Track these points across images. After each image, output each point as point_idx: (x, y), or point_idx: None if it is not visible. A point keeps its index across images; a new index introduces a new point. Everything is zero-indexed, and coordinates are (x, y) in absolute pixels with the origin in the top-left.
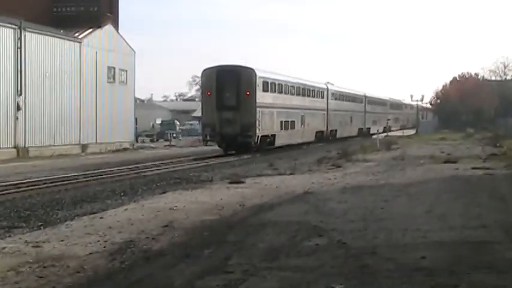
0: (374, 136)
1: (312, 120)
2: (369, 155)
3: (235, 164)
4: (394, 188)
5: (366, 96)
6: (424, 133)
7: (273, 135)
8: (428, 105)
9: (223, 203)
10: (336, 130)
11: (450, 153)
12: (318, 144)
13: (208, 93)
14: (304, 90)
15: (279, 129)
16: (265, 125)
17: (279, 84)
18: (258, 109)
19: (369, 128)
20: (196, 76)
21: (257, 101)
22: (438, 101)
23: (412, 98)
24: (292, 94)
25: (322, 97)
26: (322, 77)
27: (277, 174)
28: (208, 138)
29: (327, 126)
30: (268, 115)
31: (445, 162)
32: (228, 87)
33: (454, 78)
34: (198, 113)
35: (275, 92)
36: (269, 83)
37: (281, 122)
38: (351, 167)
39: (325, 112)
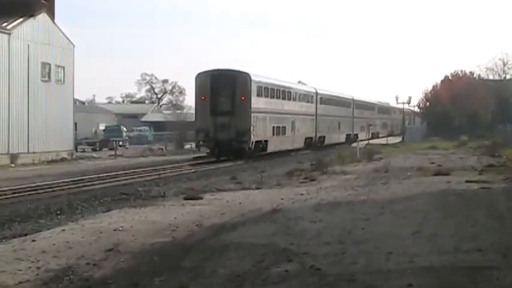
0: (354, 144)
1: (301, 125)
2: (347, 167)
3: (192, 177)
4: (377, 205)
5: (354, 100)
6: (411, 141)
7: (266, 141)
8: (416, 109)
9: (178, 222)
10: (324, 136)
11: (441, 164)
12: (306, 151)
13: (203, 98)
14: (295, 95)
15: (271, 135)
16: (259, 130)
17: (271, 88)
18: (252, 114)
19: (357, 135)
20: (146, 74)
21: (252, 106)
22: (427, 103)
23: (397, 100)
24: (284, 99)
25: (312, 102)
26: (296, 76)
27: (241, 189)
28: (201, 143)
29: (316, 132)
30: (262, 120)
31: (436, 174)
32: (223, 92)
33: (446, 77)
34: (149, 118)
35: (268, 96)
36: (262, 87)
37: (273, 127)
38: (326, 181)
39: (314, 117)
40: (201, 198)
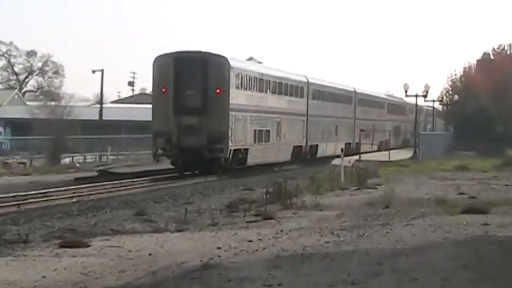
0: (335, 162)
1: (289, 129)
2: (325, 197)
3: (72, 211)
4: (371, 260)
5: (356, 93)
6: (429, 156)
7: (246, 150)
8: (437, 106)
9: (48, 284)
10: (316, 146)
11: (475, 195)
12: (292, 166)
13: (163, 91)
14: (281, 86)
15: (252, 142)
16: (238, 135)
17: (253, 77)
18: (231, 113)
19: (359, 144)
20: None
21: (230, 101)
22: (455, 96)
23: (406, 91)
24: (267, 92)
25: (301, 95)
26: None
27: (152, 231)
28: (160, 152)
29: (307, 140)
30: (242, 122)
31: (466, 212)
32: (190, 82)
33: (485, 55)
34: (4, 112)
35: (249, 89)
36: (243, 76)
37: (255, 131)
38: (290, 219)
39: (305, 118)
40: (88, 246)
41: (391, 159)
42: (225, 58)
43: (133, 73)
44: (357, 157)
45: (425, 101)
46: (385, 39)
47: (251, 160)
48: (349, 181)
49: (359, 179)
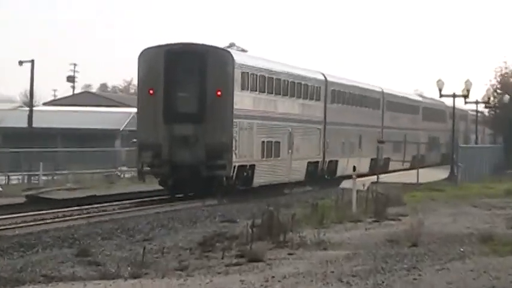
0: (344, 184)
1: (302, 141)
2: (332, 231)
3: None
4: None
5: (383, 95)
6: (471, 177)
7: (252, 167)
8: (482, 110)
9: None
10: (336, 162)
11: None
12: (307, 187)
13: (151, 92)
14: (294, 87)
15: (259, 157)
16: (243, 148)
17: (261, 76)
18: (235, 120)
19: (388, 160)
20: None
21: (235, 106)
22: (505, 97)
23: (441, 90)
24: (278, 94)
25: (318, 98)
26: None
27: (100, 278)
28: (146, 169)
29: (324, 154)
30: (247, 131)
31: None
32: (185, 81)
33: None
34: None
35: (256, 90)
36: (249, 74)
37: (262, 143)
38: (284, 261)
39: (322, 127)
40: None
41: (421, 180)
42: (228, 52)
43: (74, 65)
44: (373, 178)
45: (466, 102)
46: (403, 25)
47: (258, 179)
48: (363, 210)
49: (376, 208)
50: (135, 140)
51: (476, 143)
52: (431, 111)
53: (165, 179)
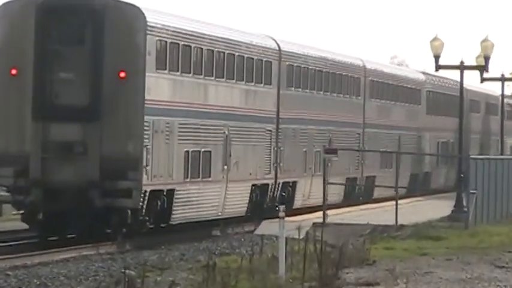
0: (263, 228)
1: (244, 151)
2: None
3: None
4: None
5: (365, 71)
6: (490, 215)
7: (171, 192)
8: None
9: None
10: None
11: None
12: (248, 227)
13: (13, 73)
14: (233, 62)
15: (181, 177)
16: (159, 162)
17: (186, 46)
18: (148, 118)
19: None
20: None
21: (147, 95)
22: None
23: (438, 60)
24: (209, 75)
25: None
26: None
27: None
28: (3, 198)
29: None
30: (165, 135)
31: None
32: (68, 56)
33: None
34: None
35: (177, 70)
36: (168, 44)
37: (186, 154)
38: None
39: (273, 126)
40: None
41: (403, 221)
42: (137, 8)
43: None
44: (317, 217)
45: (482, 80)
46: None
47: (179, 213)
48: (298, 274)
49: (322, 271)
50: None
51: (502, 152)
52: (441, 99)
53: (32, 211)
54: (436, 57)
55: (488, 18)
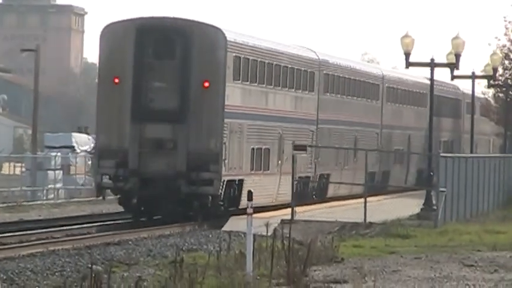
0: (231, 225)
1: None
2: None
3: None
4: None
5: (383, 80)
6: (460, 212)
7: (241, 181)
8: (484, 92)
9: None
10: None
11: None
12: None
13: (116, 81)
14: (286, 74)
15: (249, 169)
16: (233, 157)
17: (254, 61)
18: (226, 121)
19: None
20: None
21: (226, 102)
22: None
23: (408, 57)
24: (269, 84)
25: (312, 88)
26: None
27: None
28: (106, 183)
29: (315, 167)
30: (238, 135)
31: None
32: (161, 68)
33: None
34: None
35: (247, 80)
36: (241, 59)
37: (252, 150)
38: None
39: (314, 127)
40: None
41: (372, 218)
42: (218, 30)
43: None
44: (285, 214)
45: (453, 77)
46: None
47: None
48: (266, 271)
49: (290, 268)
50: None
51: (472, 150)
52: (441, 102)
53: (128, 196)
54: (407, 55)
55: (459, 15)
